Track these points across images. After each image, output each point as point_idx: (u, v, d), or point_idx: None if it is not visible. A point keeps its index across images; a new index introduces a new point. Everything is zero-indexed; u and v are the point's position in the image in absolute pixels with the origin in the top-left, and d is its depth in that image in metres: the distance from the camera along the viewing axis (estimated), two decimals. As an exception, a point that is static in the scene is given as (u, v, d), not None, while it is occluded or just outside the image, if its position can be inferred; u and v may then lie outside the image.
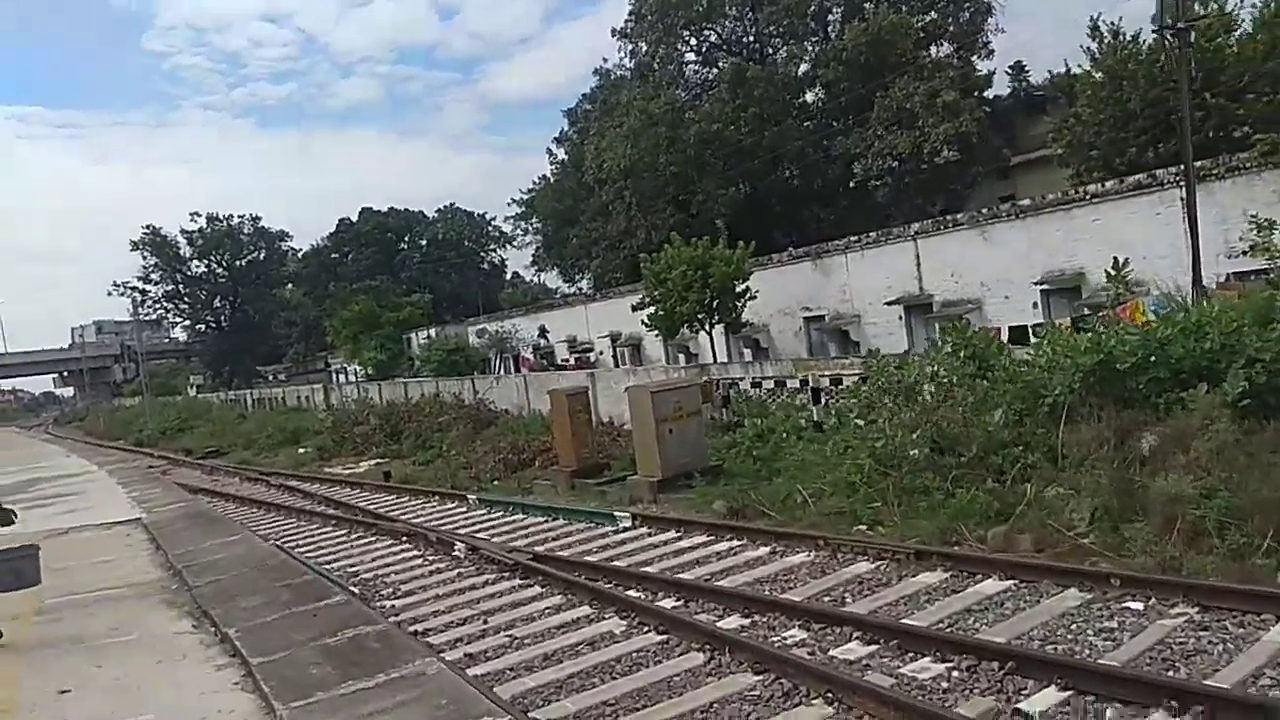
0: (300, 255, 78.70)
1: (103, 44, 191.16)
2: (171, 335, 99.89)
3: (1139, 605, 6.70)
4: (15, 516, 7.64)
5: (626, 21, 43.08)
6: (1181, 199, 16.13)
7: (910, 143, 32.64)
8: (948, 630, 6.70)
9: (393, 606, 9.15)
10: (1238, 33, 22.11)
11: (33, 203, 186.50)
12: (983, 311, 20.73)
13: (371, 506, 16.29)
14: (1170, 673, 5.64)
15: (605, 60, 48.03)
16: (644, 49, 43.55)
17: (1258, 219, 13.93)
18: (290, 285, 79.29)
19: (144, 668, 6.03)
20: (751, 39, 43.75)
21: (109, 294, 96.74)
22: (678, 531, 10.86)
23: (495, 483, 17.34)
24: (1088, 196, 19.43)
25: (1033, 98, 40.34)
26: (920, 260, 22.87)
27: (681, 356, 29.97)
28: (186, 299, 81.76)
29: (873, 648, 6.47)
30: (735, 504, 11.47)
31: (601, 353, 36.65)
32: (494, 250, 77.59)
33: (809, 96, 42.26)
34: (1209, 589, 6.63)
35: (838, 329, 25.11)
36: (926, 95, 32.67)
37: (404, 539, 12.47)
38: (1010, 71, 40.81)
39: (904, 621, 6.89)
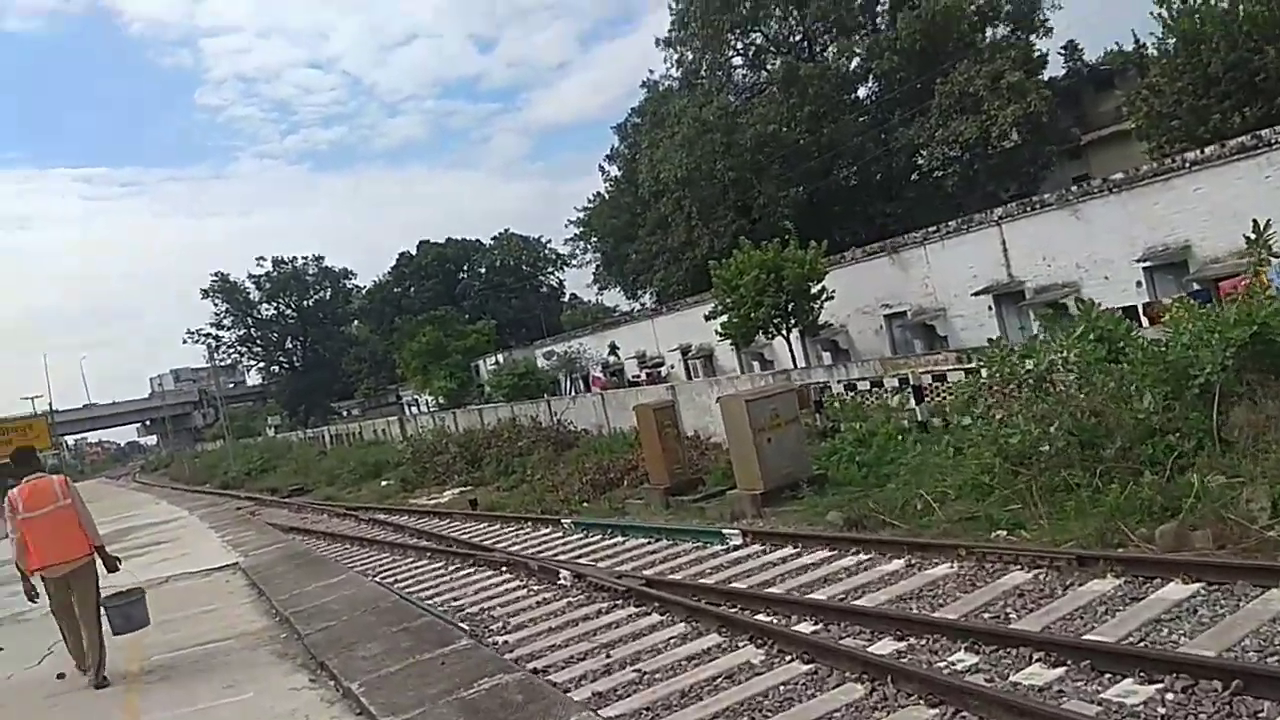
0: (364, 292, 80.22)
1: (159, 103, 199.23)
2: (245, 378, 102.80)
3: (1365, 604, 5.85)
4: (120, 563, 7.61)
5: (670, 30, 42.86)
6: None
7: (977, 128, 31.59)
8: (1142, 645, 5.93)
9: (505, 642, 8.67)
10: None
11: (107, 259, 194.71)
12: (1081, 295, 19.60)
13: (464, 536, 15.96)
14: None
15: (652, 72, 48.11)
16: (690, 57, 43.25)
17: None
18: (356, 322, 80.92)
19: (266, 731, 5.62)
20: (799, 37, 43.07)
21: (184, 341, 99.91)
22: (795, 547, 10.18)
23: (585, 505, 16.90)
24: (1187, 165, 18.26)
25: (1098, 73, 38.87)
26: (1007, 246, 21.83)
27: (756, 364, 29.28)
28: (259, 342, 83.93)
29: (1060, 670, 5.72)
30: (852, 514, 10.76)
31: (673, 366, 36.16)
32: (551, 273, 78.13)
33: (862, 91, 41.46)
34: None
35: (922, 324, 24.16)
36: (990, 78, 31.61)
37: (504, 569, 12.02)
38: (1064, 52, 39.41)
39: (1088, 638, 6.12)
